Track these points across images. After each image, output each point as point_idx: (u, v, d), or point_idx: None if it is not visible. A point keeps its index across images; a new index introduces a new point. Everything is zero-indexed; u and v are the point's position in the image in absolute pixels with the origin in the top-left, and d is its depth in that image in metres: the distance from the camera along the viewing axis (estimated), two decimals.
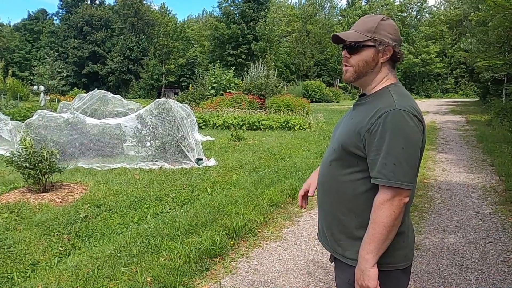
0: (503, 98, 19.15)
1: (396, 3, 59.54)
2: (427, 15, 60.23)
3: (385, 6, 58.61)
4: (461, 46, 28.08)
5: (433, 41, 52.38)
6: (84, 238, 4.27)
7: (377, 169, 1.38)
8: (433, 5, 63.80)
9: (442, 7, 59.33)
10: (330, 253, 1.66)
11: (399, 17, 58.33)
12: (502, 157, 7.97)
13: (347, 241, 1.52)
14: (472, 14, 17.05)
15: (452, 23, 52.42)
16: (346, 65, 1.56)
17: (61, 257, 3.82)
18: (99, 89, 12.48)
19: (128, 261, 3.43)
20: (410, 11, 59.77)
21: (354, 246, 1.48)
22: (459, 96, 51.28)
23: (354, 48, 1.51)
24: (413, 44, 53.30)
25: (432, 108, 26.63)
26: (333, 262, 1.67)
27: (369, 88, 1.55)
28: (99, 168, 7.50)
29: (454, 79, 53.90)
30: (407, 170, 1.36)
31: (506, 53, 16.18)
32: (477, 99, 34.14)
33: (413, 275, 3.28)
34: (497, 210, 4.95)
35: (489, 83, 22.26)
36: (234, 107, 17.49)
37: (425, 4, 60.05)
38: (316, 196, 1.73)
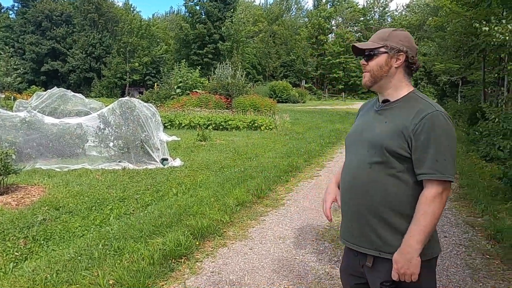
0: (459, 100, 20.17)
1: (359, 6, 61.24)
2: (389, 19, 62.35)
3: (349, 9, 60.17)
4: (420, 50, 29.30)
5: None
6: (42, 242, 4.10)
7: (427, 165, 1.51)
8: (395, 10, 66.13)
9: (403, 12, 61.70)
10: (359, 259, 1.68)
11: (363, 20, 60.06)
12: (457, 156, 8.38)
13: (395, 237, 1.57)
14: (430, 19, 17.83)
15: (413, 28, 54.58)
16: (363, 72, 1.71)
17: (17, 262, 3.65)
18: (59, 87, 12.01)
19: (89, 265, 3.33)
20: (373, 14, 61.63)
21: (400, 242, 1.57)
22: None
23: (369, 55, 1.67)
24: None
25: None
26: (363, 267, 1.68)
27: (388, 93, 1.67)
28: (58, 169, 7.22)
29: (413, 82, 55.92)
30: (453, 165, 1.53)
31: (462, 57, 17.06)
32: (435, 101, 35.67)
33: None
34: (451, 206, 5.22)
35: (446, 86, 23.37)
36: (201, 106, 17.35)
37: (387, 9, 62.17)
38: (342, 202, 1.76)
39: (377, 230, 1.60)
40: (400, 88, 1.65)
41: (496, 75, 12.75)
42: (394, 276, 1.55)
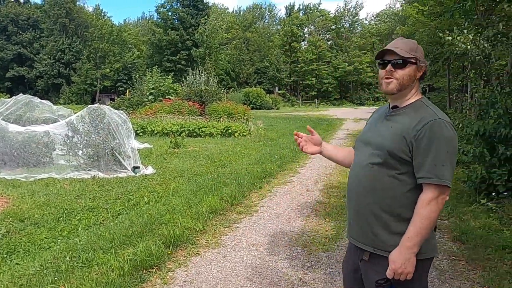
0: None
1: (330, 15, 62.55)
2: (359, 27, 64.00)
3: (321, 17, 61.33)
4: None
5: (365, 51, 55.73)
6: (5, 255, 3.92)
7: (426, 169, 1.59)
8: (365, 18, 68.00)
9: (373, 21, 63.57)
10: (358, 252, 1.79)
11: (334, 28, 61.34)
12: None
13: (389, 236, 1.67)
14: (398, 28, 18.42)
15: (382, 36, 56.34)
16: (389, 78, 1.74)
17: None
18: (25, 94, 11.59)
19: (56, 278, 3.21)
20: (344, 23, 63.09)
21: (396, 240, 1.65)
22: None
23: (400, 63, 1.72)
24: (348, 54, 56.34)
25: (365, 115, 28.23)
26: (361, 261, 1.78)
27: (403, 100, 1.76)
28: (24, 179, 6.95)
29: None
30: (450, 171, 1.60)
31: (428, 65, 17.68)
32: None
33: (338, 274, 3.45)
34: None
35: None
36: (174, 113, 17.16)
37: (356, 17, 63.82)
38: (347, 199, 1.88)
39: (373, 228, 1.70)
40: (413, 96, 1.76)
41: (460, 82, 13.29)
42: (390, 275, 1.63)
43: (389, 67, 1.74)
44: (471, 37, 6.13)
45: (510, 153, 5.00)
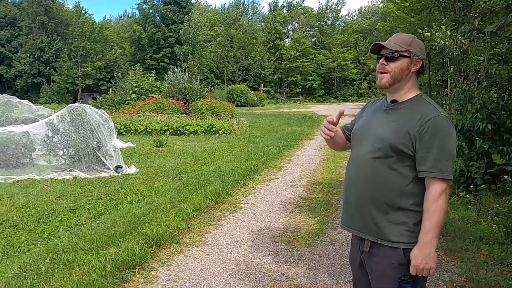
0: None
1: (313, 12, 62.79)
2: (341, 24, 64.39)
3: (304, 14, 61.52)
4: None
5: (348, 48, 56.17)
6: None
7: (430, 164, 1.62)
8: (347, 15, 68.40)
9: (355, 17, 64.08)
10: (359, 245, 1.82)
11: (317, 25, 61.63)
12: None
13: (391, 226, 1.69)
14: (379, 24, 18.63)
15: (364, 33, 56.89)
16: (382, 72, 1.76)
17: None
18: (3, 94, 11.34)
19: (35, 280, 3.16)
20: (326, 20, 63.36)
21: (398, 230, 1.68)
22: None
23: (392, 57, 1.73)
24: (330, 51, 56.68)
25: (349, 112, 28.44)
26: (362, 253, 1.80)
27: (400, 94, 1.77)
28: (2, 181, 6.79)
29: (367, 84, 58.22)
30: (451, 165, 1.65)
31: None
32: None
33: (327, 268, 3.49)
34: None
35: None
36: (157, 112, 16.99)
37: (339, 14, 64.22)
38: (346, 191, 1.89)
39: (376, 219, 1.72)
40: (411, 90, 1.76)
41: (440, 77, 13.54)
42: (413, 272, 1.64)
43: (382, 60, 1.76)
44: (449, 33, 6.24)
45: (487, 147, 5.12)
